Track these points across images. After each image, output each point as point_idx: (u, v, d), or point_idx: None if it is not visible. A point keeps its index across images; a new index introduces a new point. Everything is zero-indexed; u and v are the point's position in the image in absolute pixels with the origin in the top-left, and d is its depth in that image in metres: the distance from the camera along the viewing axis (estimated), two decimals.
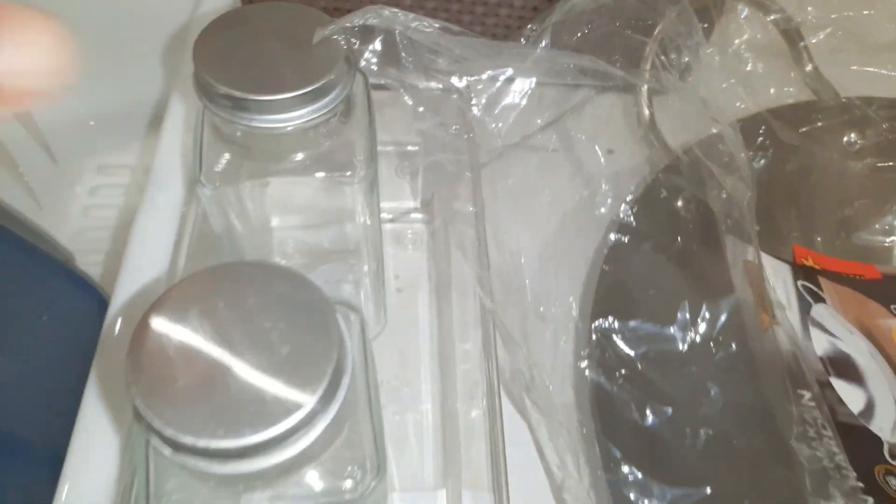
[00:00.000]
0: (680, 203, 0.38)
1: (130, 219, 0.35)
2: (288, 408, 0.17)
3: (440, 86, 0.39)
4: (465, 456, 0.34)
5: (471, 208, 0.41)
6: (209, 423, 0.17)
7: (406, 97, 0.37)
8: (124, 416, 0.30)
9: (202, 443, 0.17)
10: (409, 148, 0.47)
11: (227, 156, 0.28)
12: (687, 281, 0.35)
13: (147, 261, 0.33)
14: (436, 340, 0.40)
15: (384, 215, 0.43)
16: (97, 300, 0.33)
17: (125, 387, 0.17)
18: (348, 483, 0.22)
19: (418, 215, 0.45)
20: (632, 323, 0.33)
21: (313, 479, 0.21)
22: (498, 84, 0.36)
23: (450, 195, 0.43)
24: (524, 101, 0.39)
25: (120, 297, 0.32)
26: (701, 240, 0.37)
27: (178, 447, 0.17)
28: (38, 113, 0.43)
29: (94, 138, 0.47)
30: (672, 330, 0.34)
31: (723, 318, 0.33)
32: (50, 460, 0.28)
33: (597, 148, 0.44)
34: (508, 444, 0.32)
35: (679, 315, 0.34)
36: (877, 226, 0.42)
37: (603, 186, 0.43)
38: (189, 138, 0.38)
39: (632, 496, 0.26)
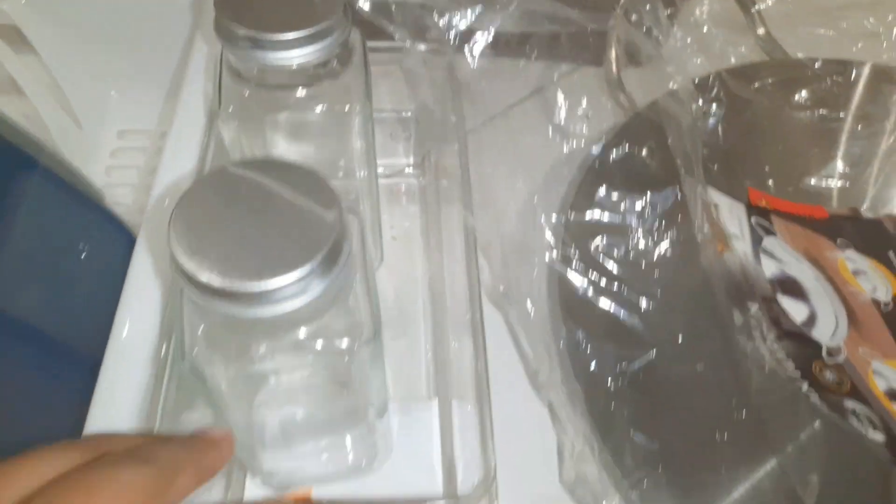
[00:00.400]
0: (644, 151, 0.42)
1: (150, 179, 0.40)
2: (301, 260, 0.21)
3: (431, 47, 0.43)
4: (455, 372, 0.38)
5: (458, 166, 0.45)
6: (234, 271, 0.21)
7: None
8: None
9: (229, 285, 0.21)
10: (404, 114, 0.51)
11: (245, 92, 0.32)
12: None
13: (173, 189, 0.37)
14: (427, 278, 0.44)
15: (380, 170, 0.47)
16: (126, 236, 0.38)
17: (168, 246, 0.22)
18: (345, 341, 0.25)
19: (411, 170, 0.50)
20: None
21: (317, 335, 0.25)
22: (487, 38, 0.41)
23: (440, 154, 0.47)
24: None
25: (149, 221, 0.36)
26: (664, 181, 0.41)
27: (207, 290, 0.21)
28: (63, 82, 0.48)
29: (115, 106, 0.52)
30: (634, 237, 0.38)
31: (680, 236, 0.38)
32: (90, 364, 0.32)
33: (577, 113, 0.49)
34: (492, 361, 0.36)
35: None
36: (823, 171, 0.46)
37: (581, 145, 0.48)
38: (209, 85, 0.43)
39: (592, 366, 0.30)
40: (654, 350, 0.31)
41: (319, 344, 0.25)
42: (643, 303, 0.34)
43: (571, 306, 0.35)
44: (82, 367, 0.32)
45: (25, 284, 0.33)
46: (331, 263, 0.22)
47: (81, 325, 0.33)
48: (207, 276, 0.21)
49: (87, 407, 0.30)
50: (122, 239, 0.37)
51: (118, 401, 0.32)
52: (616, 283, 0.36)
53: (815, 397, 0.33)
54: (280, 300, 0.22)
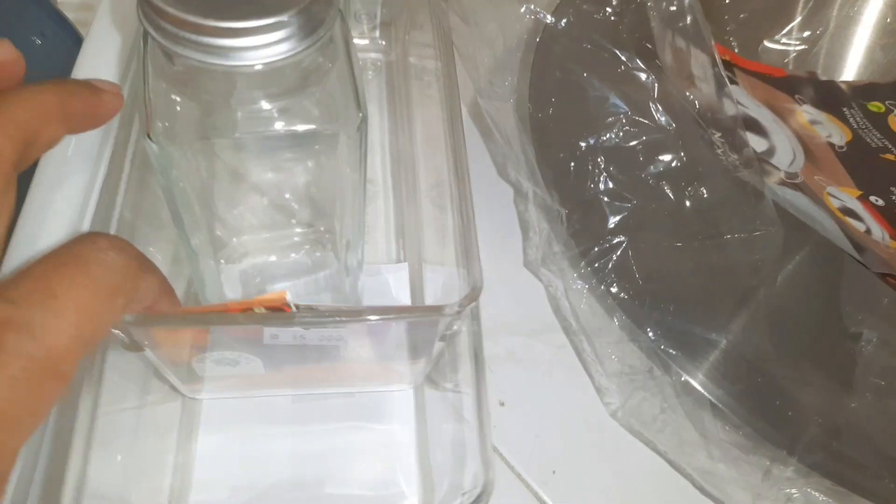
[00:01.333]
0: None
1: None
2: (279, 8, 0.20)
3: None
4: (424, 236, 0.38)
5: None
6: (206, 9, 0.20)
7: None
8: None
9: (200, 21, 0.19)
10: None
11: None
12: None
13: None
14: (391, 151, 0.44)
15: None
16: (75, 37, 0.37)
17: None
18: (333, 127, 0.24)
19: (378, 43, 0.48)
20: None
21: (293, 115, 0.24)
22: None
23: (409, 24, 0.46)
24: None
25: None
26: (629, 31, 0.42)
27: (177, 39, 0.20)
28: None
29: None
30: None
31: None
32: None
33: None
34: None
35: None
36: (782, 35, 0.48)
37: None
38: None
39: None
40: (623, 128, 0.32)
41: (300, 126, 0.24)
42: None
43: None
44: None
45: None
46: (310, 22, 0.21)
47: None
48: (176, 10, 0.20)
49: None
50: (71, 37, 0.36)
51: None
52: None
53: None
54: (253, 47, 0.20)
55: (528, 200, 0.33)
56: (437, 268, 0.35)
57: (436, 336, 0.29)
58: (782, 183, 0.35)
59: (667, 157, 0.32)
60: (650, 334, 0.29)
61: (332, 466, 0.33)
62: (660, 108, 0.32)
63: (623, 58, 0.32)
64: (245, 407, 0.34)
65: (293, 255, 0.35)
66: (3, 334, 0.17)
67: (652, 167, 0.32)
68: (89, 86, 0.24)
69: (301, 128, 0.24)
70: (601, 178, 0.31)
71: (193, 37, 0.20)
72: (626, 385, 0.32)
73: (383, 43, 0.48)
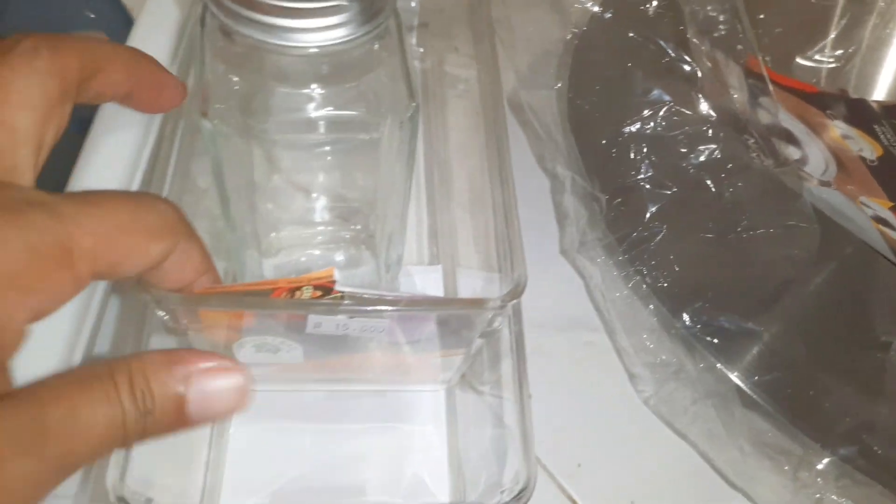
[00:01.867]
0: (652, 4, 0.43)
1: None
2: None
3: None
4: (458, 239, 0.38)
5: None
6: None
7: None
8: None
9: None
10: None
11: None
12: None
13: None
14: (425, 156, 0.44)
15: None
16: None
17: None
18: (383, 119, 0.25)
19: (416, 50, 0.48)
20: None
21: (358, 99, 0.25)
22: None
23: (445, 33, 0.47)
24: None
25: None
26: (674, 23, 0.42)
27: (238, 17, 0.20)
28: None
29: None
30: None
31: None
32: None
33: None
34: None
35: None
36: (814, 52, 0.48)
37: None
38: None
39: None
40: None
41: (349, 111, 0.24)
42: None
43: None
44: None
45: None
46: (368, 9, 0.22)
47: None
48: None
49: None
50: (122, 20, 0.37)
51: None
52: None
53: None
54: (312, 30, 0.21)
55: (566, 189, 0.34)
56: (471, 271, 0.36)
57: (475, 332, 0.29)
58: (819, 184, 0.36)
59: (707, 148, 0.32)
60: (686, 320, 0.29)
61: (363, 466, 0.33)
62: (702, 99, 0.32)
63: (668, 49, 0.33)
64: (278, 402, 0.34)
65: (330, 252, 0.35)
66: (31, 210, 0.17)
67: (692, 157, 0.32)
68: (160, 66, 0.24)
69: (349, 113, 0.24)
70: (642, 166, 0.32)
71: (254, 15, 0.21)
72: (658, 374, 0.32)
73: (421, 50, 0.49)
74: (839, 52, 0.48)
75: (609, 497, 0.34)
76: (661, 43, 0.32)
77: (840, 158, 0.41)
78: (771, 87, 0.45)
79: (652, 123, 0.32)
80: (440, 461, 0.34)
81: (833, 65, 0.48)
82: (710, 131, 0.32)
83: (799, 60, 0.48)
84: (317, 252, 0.35)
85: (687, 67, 0.33)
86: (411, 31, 0.50)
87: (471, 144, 0.40)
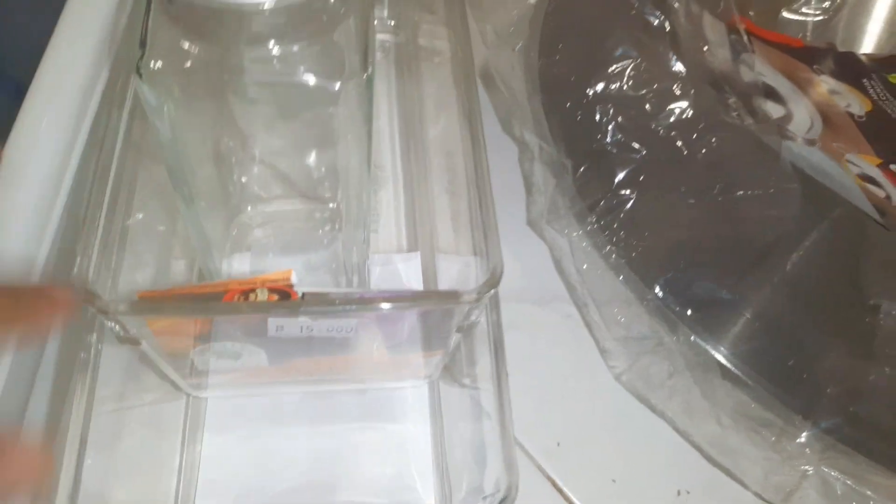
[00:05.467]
0: None
1: None
2: None
3: None
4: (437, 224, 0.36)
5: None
6: None
7: None
8: None
9: None
10: None
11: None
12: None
13: None
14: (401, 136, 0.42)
15: None
16: None
17: None
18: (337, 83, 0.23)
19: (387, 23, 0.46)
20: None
21: (308, 60, 0.22)
22: None
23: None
24: None
25: None
26: None
27: None
28: None
29: None
30: None
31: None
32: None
33: None
34: None
35: None
36: (800, 4, 0.46)
37: None
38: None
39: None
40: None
41: (303, 77, 0.22)
42: None
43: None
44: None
45: None
46: None
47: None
48: None
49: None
50: None
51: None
52: None
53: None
54: None
55: (534, 157, 0.32)
56: (451, 257, 0.34)
57: (452, 326, 0.27)
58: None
59: (678, 107, 0.30)
60: (658, 292, 0.28)
61: (344, 469, 0.32)
62: (672, 54, 0.30)
63: (636, 2, 0.31)
64: (251, 406, 0.33)
65: (308, 227, 0.34)
66: None
67: (662, 117, 0.30)
68: (41, 293, 0.22)
69: (301, 79, 0.22)
70: (609, 129, 0.30)
71: None
72: (632, 348, 0.31)
73: (392, 23, 0.46)
74: (826, 4, 0.46)
75: (589, 476, 0.33)
76: None
77: (826, 115, 0.39)
78: (754, 43, 0.43)
79: (618, 82, 0.30)
80: (425, 460, 0.32)
81: (820, 17, 0.46)
82: (681, 88, 0.30)
83: (785, 14, 0.46)
84: (289, 229, 0.34)
85: (656, 21, 0.30)
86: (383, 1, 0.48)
87: (446, 121, 0.38)
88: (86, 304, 0.22)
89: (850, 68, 0.44)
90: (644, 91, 0.30)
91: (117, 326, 0.23)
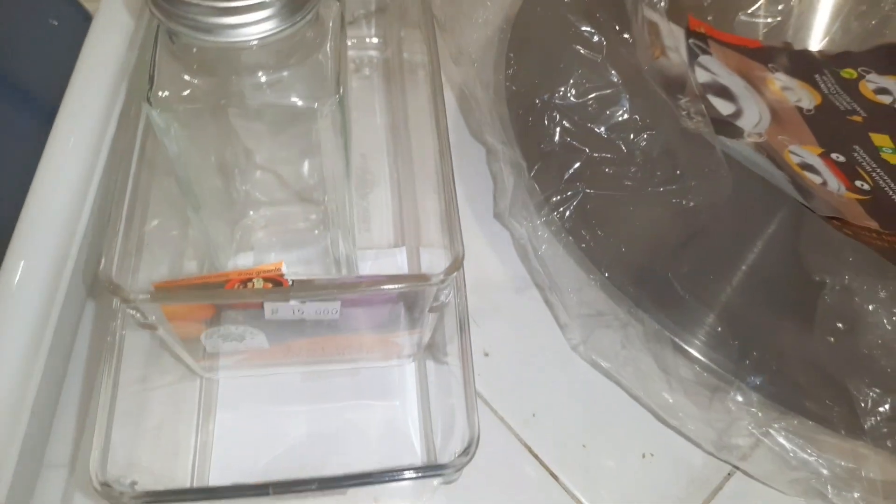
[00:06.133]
0: None
1: None
2: None
3: None
4: (420, 221, 0.40)
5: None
6: None
7: None
8: None
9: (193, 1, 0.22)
10: None
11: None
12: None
13: None
14: (389, 142, 0.47)
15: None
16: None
17: None
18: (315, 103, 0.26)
19: (372, 41, 0.51)
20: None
21: (291, 84, 0.26)
22: None
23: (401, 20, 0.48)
24: None
25: None
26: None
27: (176, 17, 0.23)
28: None
29: None
30: None
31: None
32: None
33: None
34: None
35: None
36: (755, 7, 0.49)
37: None
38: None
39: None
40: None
41: (284, 100, 0.26)
42: None
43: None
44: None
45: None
46: (294, 1, 0.24)
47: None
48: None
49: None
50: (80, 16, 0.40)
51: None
52: None
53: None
54: (242, 25, 0.23)
55: (499, 158, 0.36)
56: (434, 249, 0.37)
57: (426, 307, 0.31)
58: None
59: (615, 111, 0.34)
60: (605, 273, 0.31)
61: (341, 441, 0.36)
62: (608, 65, 0.34)
63: (574, 21, 0.35)
64: (258, 386, 0.37)
65: (305, 228, 0.38)
66: None
67: (602, 120, 0.34)
68: None
69: (287, 101, 0.26)
70: (556, 132, 0.34)
71: (189, 16, 0.23)
72: (588, 323, 0.35)
73: (377, 41, 0.50)
74: (780, 6, 0.49)
75: (562, 443, 0.37)
76: (570, 17, 0.34)
77: (776, 110, 0.43)
78: (711, 45, 0.47)
79: (562, 91, 0.34)
80: (413, 430, 0.36)
81: (775, 19, 0.49)
82: (617, 95, 0.34)
83: (741, 17, 0.49)
84: (288, 231, 0.38)
85: (594, 39, 0.34)
86: (370, 18, 0.52)
87: (427, 129, 0.42)
88: (111, 294, 0.26)
89: (804, 65, 0.48)
90: (584, 98, 0.34)
91: (137, 313, 0.27)
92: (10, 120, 0.35)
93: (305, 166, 0.35)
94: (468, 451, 0.27)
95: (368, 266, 0.40)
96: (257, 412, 0.37)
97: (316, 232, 0.39)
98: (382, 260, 0.41)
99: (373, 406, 0.37)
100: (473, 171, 0.45)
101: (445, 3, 0.40)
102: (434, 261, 0.38)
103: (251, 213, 0.38)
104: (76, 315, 0.37)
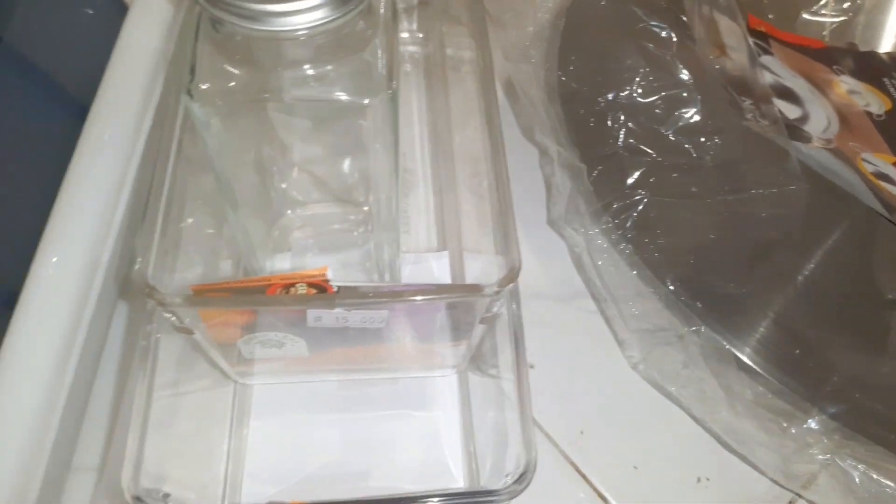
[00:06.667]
0: None
1: None
2: None
3: None
4: (463, 225, 0.38)
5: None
6: None
7: None
8: None
9: None
10: None
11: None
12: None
13: None
14: (430, 142, 0.45)
15: None
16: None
17: None
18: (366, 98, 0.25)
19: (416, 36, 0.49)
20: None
21: (340, 78, 0.25)
22: None
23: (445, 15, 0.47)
24: None
25: None
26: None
27: (219, 3, 0.21)
28: None
29: None
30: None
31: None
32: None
33: None
34: None
35: None
36: (819, 6, 0.47)
37: None
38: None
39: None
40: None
41: (334, 94, 0.24)
42: None
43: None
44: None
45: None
46: None
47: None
48: None
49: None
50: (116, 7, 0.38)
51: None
52: None
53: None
54: (292, 13, 0.21)
55: (553, 161, 0.34)
56: (477, 255, 0.36)
57: (476, 318, 0.29)
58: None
59: (686, 112, 0.32)
60: (669, 286, 0.29)
61: (377, 454, 0.34)
62: (678, 63, 0.32)
63: (641, 14, 0.32)
64: (293, 393, 0.35)
65: (343, 229, 0.36)
66: None
67: (670, 122, 0.32)
68: None
69: (334, 96, 0.24)
70: (620, 134, 0.32)
71: (236, 2, 0.21)
72: (648, 339, 0.32)
73: (421, 35, 0.48)
74: (846, 4, 0.47)
75: (611, 463, 0.35)
76: (637, 10, 0.32)
77: (844, 115, 0.40)
78: (773, 45, 0.44)
79: (628, 90, 0.32)
80: (455, 444, 0.34)
81: (840, 18, 0.47)
82: (688, 95, 0.32)
83: (804, 16, 0.47)
84: (328, 231, 0.37)
85: (663, 33, 0.32)
86: (411, 12, 0.51)
87: (472, 128, 0.40)
88: (146, 297, 0.25)
89: (871, 68, 0.45)
90: (652, 98, 0.32)
91: (173, 317, 0.26)
92: (42, 110, 0.34)
93: (347, 165, 0.33)
94: (524, 477, 0.26)
95: (408, 270, 0.39)
96: (292, 420, 0.35)
97: (355, 234, 0.37)
98: (423, 264, 0.39)
99: (412, 417, 0.35)
100: (524, 173, 0.43)
101: None
102: (478, 267, 0.36)
103: (288, 212, 0.36)
104: (107, 316, 0.35)
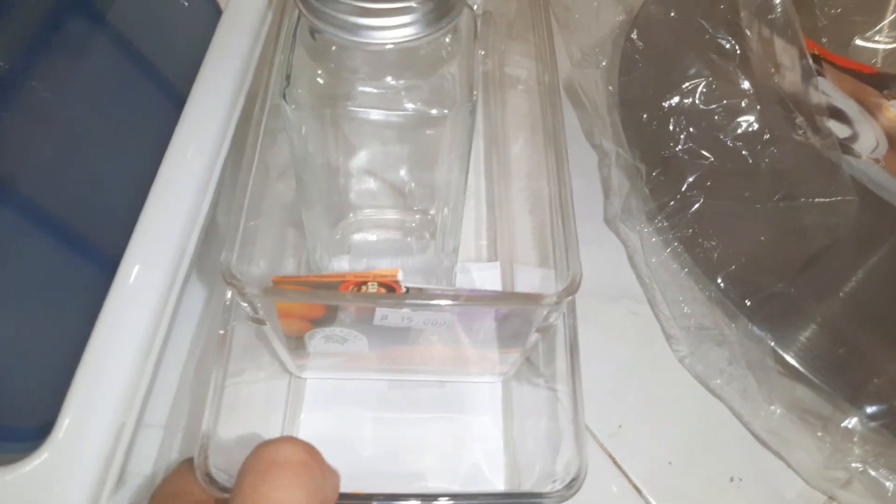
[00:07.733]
0: None
1: None
2: None
3: None
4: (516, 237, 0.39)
5: None
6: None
7: None
8: None
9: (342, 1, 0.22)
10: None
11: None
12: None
13: None
14: (485, 155, 0.45)
15: None
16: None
17: None
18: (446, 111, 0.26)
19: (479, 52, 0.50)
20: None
21: (422, 90, 0.26)
22: None
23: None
24: None
25: None
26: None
27: (322, 15, 0.23)
28: None
29: None
30: None
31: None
32: None
33: None
34: None
35: None
36: (873, 32, 0.47)
37: None
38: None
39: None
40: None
41: (417, 106, 0.26)
42: None
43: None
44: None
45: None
46: (438, 10, 0.23)
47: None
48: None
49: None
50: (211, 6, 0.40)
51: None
52: None
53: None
54: (385, 28, 0.23)
55: (612, 162, 0.35)
56: (528, 268, 0.37)
57: (531, 327, 0.30)
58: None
59: (745, 121, 0.33)
60: (720, 283, 0.30)
61: (422, 455, 0.35)
62: (741, 75, 0.33)
63: (707, 26, 0.33)
64: (345, 389, 0.37)
65: (401, 235, 0.38)
66: None
67: (730, 129, 0.33)
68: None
69: (417, 107, 0.26)
70: (681, 138, 0.33)
71: (337, 15, 0.23)
72: (695, 336, 0.33)
73: (482, 53, 0.50)
74: None
75: (648, 457, 0.36)
76: (704, 23, 0.33)
77: (893, 137, 0.41)
78: (825, 68, 0.45)
79: (691, 98, 0.33)
80: (496, 450, 0.35)
81: (893, 45, 0.47)
82: (748, 104, 0.33)
83: (858, 42, 0.47)
84: (389, 235, 0.38)
85: (727, 45, 0.33)
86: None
87: (530, 142, 0.41)
88: (228, 286, 0.26)
89: None
90: (714, 106, 0.33)
91: (249, 307, 0.27)
92: (140, 92, 0.36)
93: (415, 173, 0.34)
94: (573, 483, 0.26)
95: (460, 280, 0.40)
96: (343, 415, 0.36)
97: (409, 240, 0.38)
98: (474, 274, 0.40)
99: (458, 421, 0.36)
100: (579, 175, 0.43)
101: (565, 2, 0.39)
102: (527, 279, 0.37)
103: (350, 215, 0.38)
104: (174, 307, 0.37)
